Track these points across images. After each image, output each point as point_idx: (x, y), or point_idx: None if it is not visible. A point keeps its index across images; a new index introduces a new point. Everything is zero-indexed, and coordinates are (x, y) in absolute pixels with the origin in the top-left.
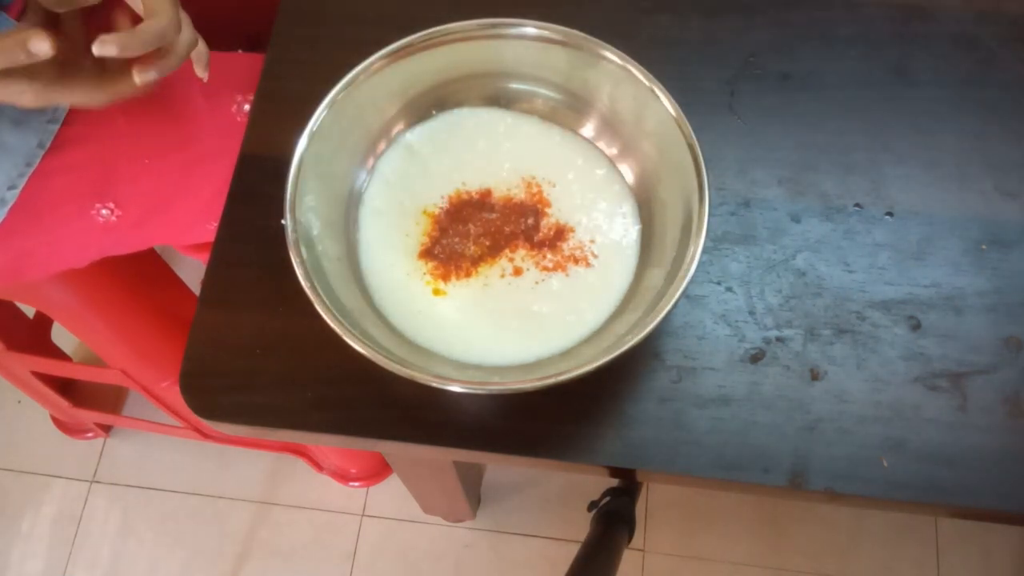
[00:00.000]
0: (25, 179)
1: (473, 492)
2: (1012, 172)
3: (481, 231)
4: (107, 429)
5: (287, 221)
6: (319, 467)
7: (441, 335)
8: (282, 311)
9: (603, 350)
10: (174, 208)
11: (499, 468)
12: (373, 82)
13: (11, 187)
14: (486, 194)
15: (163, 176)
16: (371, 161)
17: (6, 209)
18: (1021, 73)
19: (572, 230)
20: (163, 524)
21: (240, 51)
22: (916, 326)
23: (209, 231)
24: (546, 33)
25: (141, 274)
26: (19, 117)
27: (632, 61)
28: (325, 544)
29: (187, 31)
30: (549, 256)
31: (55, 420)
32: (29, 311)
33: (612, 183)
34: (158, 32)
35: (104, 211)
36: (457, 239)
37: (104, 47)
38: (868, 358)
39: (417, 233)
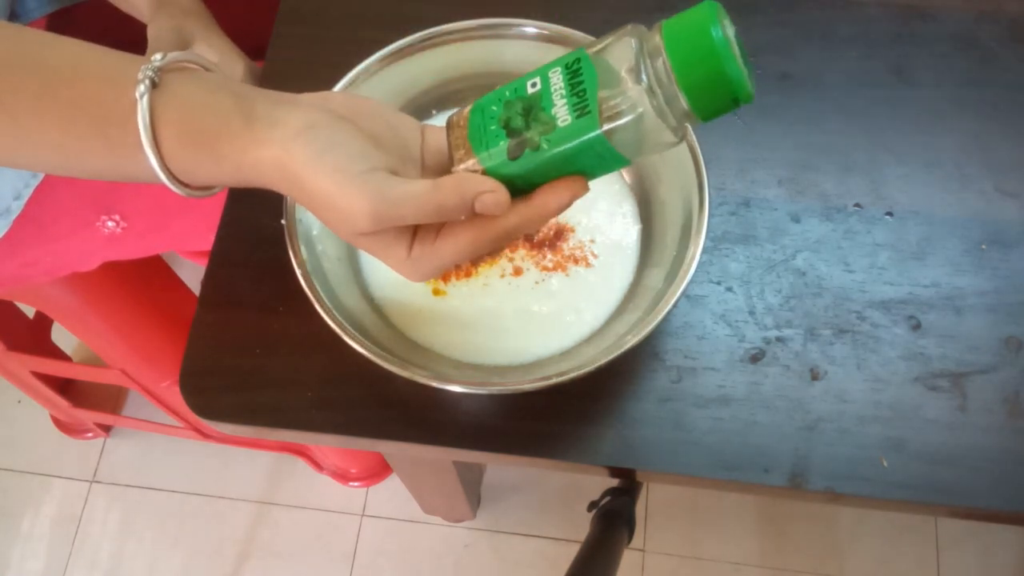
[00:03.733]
0: (31, 190)
1: (473, 492)
2: (1012, 172)
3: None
4: (107, 429)
5: (287, 221)
6: (319, 467)
7: (441, 335)
8: (282, 311)
9: (603, 350)
10: (179, 220)
11: (499, 468)
12: (373, 82)
13: (16, 198)
14: None
15: (167, 190)
16: None
17: (11, 219)
18: (1021, 73)
19: (572, 230)
20: (163, 524)
21: None
22: (916, 326)
23: (212, 240)
24: (546, 33)
25: (141, 275)
26: None
27: None
28: (325, 544)
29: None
30: (549, 256)
31: (55, 420)
32: (29, 311)
33: (612, 183)
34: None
35: (110, 223)
36: None
37: None
38: (868, 358)
39: None
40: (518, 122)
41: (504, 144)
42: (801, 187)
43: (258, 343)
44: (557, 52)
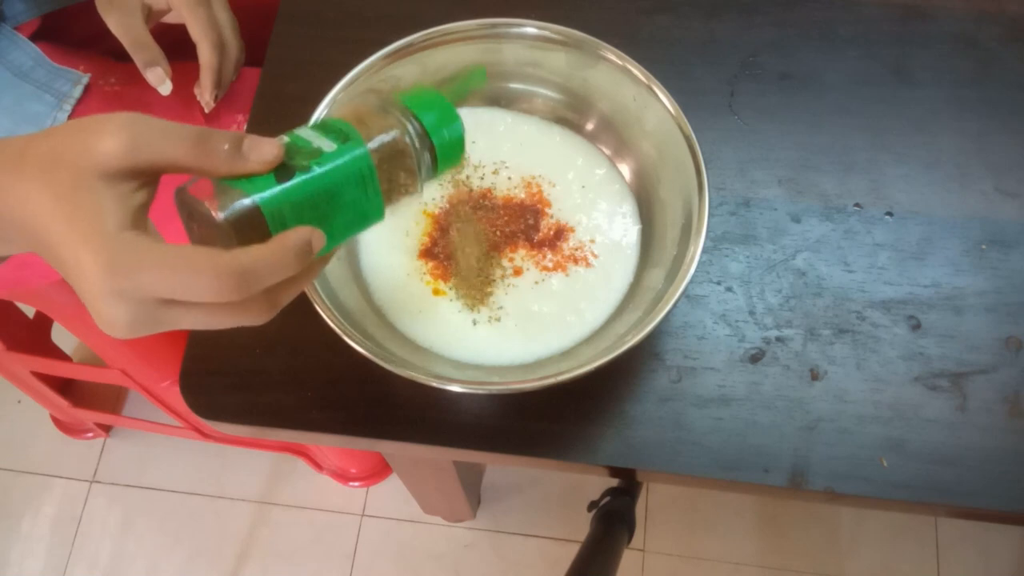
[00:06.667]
0: None
1: (473, 492)
2: (1012, 172)
3: (481, 231)
4: (107, 429)
5: None
6: (319, 467)
7: (441, 335)
8: (282, 311)
9: (603, 350)
10: (172, 224)
11: (499, 468)
12: (373, 82)
13: None
14: (486, 194)
15: (160, 193)
16: None
17: None
18: (1021, 73)
19: (572, 230)
20: (163, 524)
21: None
22: (916, 326)
23: None
24: (546, 33)
25: None
26: (14, 129)
27: (632, 61)
28: (325, 544)
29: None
30: (549, 256)
31: (55, 420)
32: (29, 311)
33: (612, 183)
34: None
35: None
36: (457, 239)
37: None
38: (868, 358)
39: (417, 233)
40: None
41: (271, 174)
42: (801, 187)
43: (258, 343)
44: (557, 52)
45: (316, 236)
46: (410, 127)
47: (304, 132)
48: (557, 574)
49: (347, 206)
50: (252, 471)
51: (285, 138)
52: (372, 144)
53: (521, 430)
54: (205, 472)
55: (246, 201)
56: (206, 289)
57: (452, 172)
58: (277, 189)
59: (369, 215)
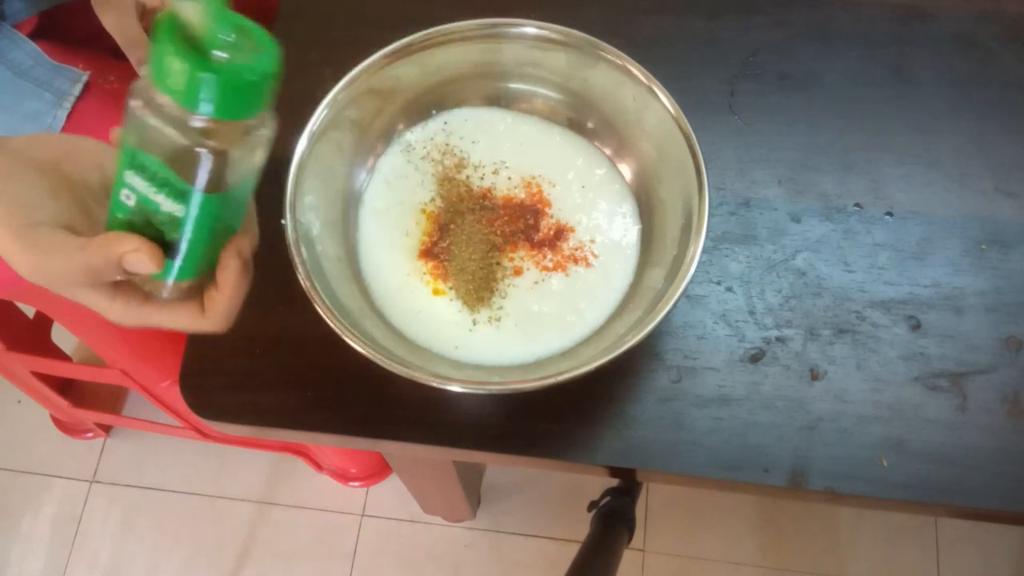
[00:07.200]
0: None
1: (473, 492)
2: (1012, 172)
3: (481, 231)
4: (107, 429)
5: (287, 221)
6: (319, 467)
7: (441, 335)
8: (282, 311)
9: (603, 350)
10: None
11: (499, 468)
12: (373, 82)
13: None
14: (486, 194)
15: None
16: (371, 161)
17: None
18: (1021, 73)
19: (572, 230)
20: (163, 524)
21: None
22: (916, 326)
23: None
24: (546, 33)
25: None
26: (14, 128)
27: (631, 61)
28: (325, 544)
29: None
30: (549, 256)
31: (55, 420)
32: (29, 311)
33: (612, 183)
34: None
35: None
36: (457, 239)
37: None
38: (868, 358)
39: (417, 233)
40: (152, 235)
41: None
42: (801, 187)
43: (258, 343)
44: (557, 52)
45: (242, 245)
46: (197, 137)
47: (135, 182)
48: (557, 574)
49: (233, 214)
50: (252, 471)
51: (131, 197)
52: (199, 183)
53: (521, 430)
54: (205, 472)
55: (167, 289)
56: (205, 330)
57: (448, 169)
58: (176, 266)
59: (248, 189)
